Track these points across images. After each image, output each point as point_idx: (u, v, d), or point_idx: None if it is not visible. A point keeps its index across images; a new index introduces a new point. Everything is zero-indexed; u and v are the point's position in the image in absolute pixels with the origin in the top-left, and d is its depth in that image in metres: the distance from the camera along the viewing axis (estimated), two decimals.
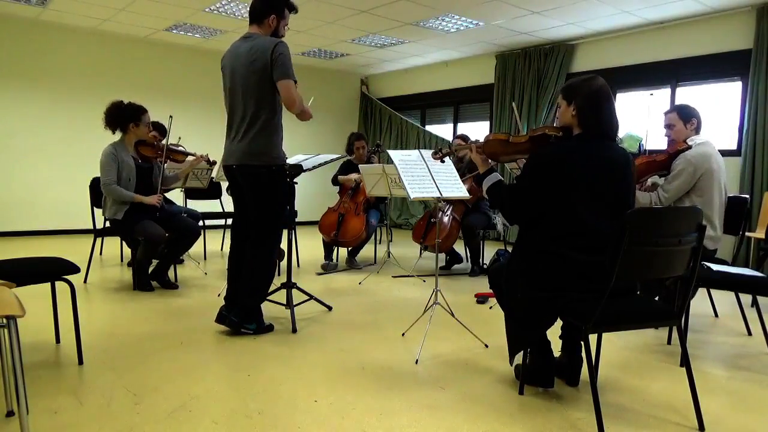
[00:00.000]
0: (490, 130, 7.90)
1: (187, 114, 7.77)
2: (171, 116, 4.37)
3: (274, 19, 3.08)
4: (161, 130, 4.90)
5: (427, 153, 3.49)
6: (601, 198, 2.24)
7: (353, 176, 5.47)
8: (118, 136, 4.24)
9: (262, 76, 2.97)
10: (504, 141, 2.53)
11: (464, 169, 5.08)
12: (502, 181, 2.51)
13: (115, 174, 4.06)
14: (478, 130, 8.07)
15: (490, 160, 2.61)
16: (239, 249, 3.25)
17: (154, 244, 4.10)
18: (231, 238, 3.32)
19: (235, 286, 3.22)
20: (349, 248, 5.55)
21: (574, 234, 2.22)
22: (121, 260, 5.40)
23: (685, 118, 3.38)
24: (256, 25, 3.09)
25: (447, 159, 3.52)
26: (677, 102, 6.13)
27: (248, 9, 3.13)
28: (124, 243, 5.06)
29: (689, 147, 3.26)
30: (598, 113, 2.28)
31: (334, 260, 5.51)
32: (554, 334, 2.50)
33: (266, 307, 3.62)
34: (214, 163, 4.78)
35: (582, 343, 2.51)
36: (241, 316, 3.16)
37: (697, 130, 3.38)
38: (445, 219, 5.18)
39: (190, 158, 4.56)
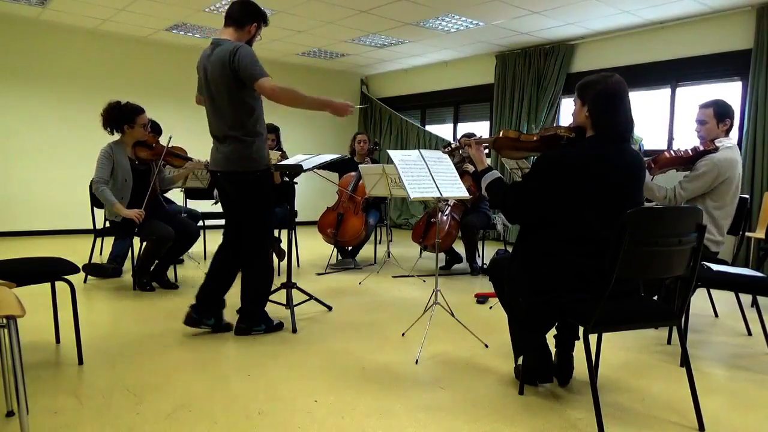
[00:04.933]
0: (490, 131, 7.90)
1: (186, 114, 7.71)
2: (170, 137, 4.33)
3: (255, 27, 3.04)
4: (157, 129, 4.87)
5: (427, 153, 3.49)
6: (612, 205, 2.19)
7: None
8: (117, 136, 4.24)
9: (230, 85, 2.91)
10: (515, 139, 2.53)
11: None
12: (502, 179, 2.48)
13: (108, 173, 4.05)
14: (478, 130, 8.05)
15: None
16: (226, 253, 3.22)
17: (164, 242, 4.09)
18: (222, 241, 3.28)
19: (211, 288, 3.18)
20: (349, 248, 5.57)
21: (582, 240, 2.18)
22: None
23: (720, 117, 3.25)
24: (233, 29, 3.00)
25: (448, 159, 3.51)
26: (677, 102, 6.14)
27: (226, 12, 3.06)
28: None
29: (716, 148, 3.16)
30: (613, 115, 2.22)
31: (349, 259, 5.58)
32: (550, 332, 2.49)
33: (266, 308, 3.63)
34: None
35: (575, 342, 2.52)
36: (248, 321, 3.18)
37: (727, 132, 3.27)
38: (444, 218, 5.18)
39: (188, 164, 4.50)
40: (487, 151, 2.68)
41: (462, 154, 5.12)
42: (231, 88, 2.92)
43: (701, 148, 3.22)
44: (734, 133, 5.54)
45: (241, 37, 3.01)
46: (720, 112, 3.25)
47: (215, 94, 2.99)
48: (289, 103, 2.93)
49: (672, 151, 3.29)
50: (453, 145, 2.91)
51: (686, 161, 3.25)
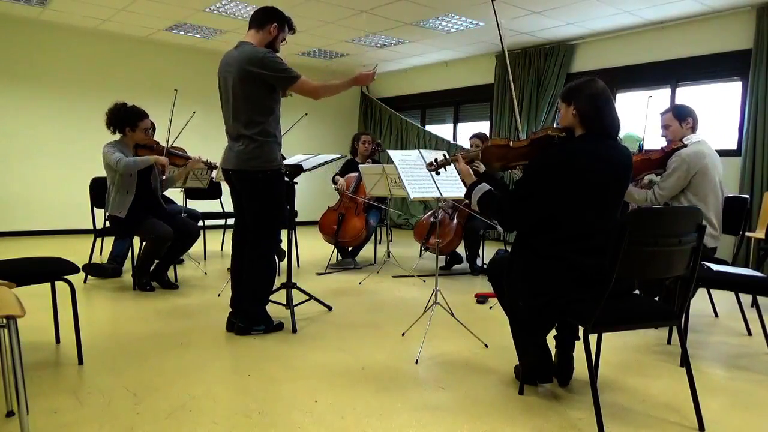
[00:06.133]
0: (490, 131, 7.90)
1: (187, 114, 7.77)
2: (176, 89, 4.31)
3: (275, 28, 3.08)
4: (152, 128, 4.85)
5: (427, 153, 3.49)
6: (606, 199, 2.24)
7: (341, 182, 5.52)
8: (118, 135, 4.25)
9: (249, 86, 2.98)
10: (504, 146, 2.45)
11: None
12: (492, 190, 2.44)
13: (121, 155, 4.06)
14: (478, 131, 8.05)
15: (484, 167, 2.57)
16: (240, 254, 3.24)
17: (163, 242, 4.09)
18: (232, 243, 3.32)
19: (238, 292, 3.23)
20: (350, 248, 5.57)
21: (581, 237, 2.20)
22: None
23: (680, 117, 3.41)
24: (255, 30, 3.08)
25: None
26: (677, 102, 6.14)
27: (248, 10, 3.12)
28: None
29: (684, 146, 3.29)
30: (600, 112, 2.25)
31: (349, 259, 5.57)
32: (550, 332, 2.49)
33: (267, 308, 3.62)
34: (214, 165, 4.76)
35: (575, 342, 2.52)
36: (247, 321, 3.19)
37: (693, 129, 3.41)
38: (453, 224, 5.15)
39: (189, 163, 4.50)
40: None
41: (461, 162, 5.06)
42: (249, 90, 2.99)
43: (670, 147, 3.34)
44: (734, 132, 5.59)
45: (263, 38, 3.07)
46: (679, 113, 3.43)
47: (232, 94, 3.05)
48: (327, 95, 3.19)
49: (641, 154, 3.36)
50: (437, 162, 2.75)
51: (658, 164, 3.35)
